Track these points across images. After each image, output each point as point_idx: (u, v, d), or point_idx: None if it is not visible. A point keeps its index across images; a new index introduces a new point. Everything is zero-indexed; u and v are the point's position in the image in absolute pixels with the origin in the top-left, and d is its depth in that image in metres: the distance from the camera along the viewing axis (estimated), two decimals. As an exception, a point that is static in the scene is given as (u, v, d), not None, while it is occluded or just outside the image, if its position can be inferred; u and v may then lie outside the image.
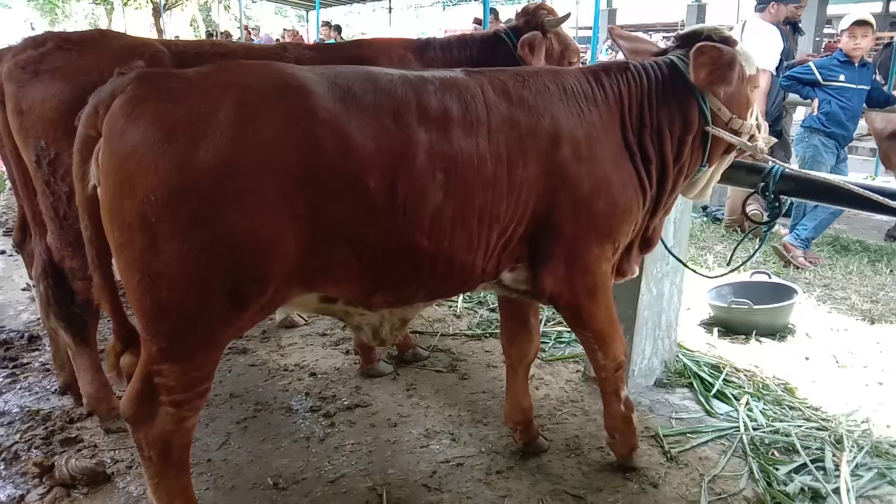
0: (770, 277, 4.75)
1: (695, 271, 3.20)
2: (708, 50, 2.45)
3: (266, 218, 1.92)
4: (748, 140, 2.65)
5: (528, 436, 3.05)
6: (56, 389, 3.58)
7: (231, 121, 1.88)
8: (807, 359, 4.02)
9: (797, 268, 5.71)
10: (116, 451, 3.06)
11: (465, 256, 2.30)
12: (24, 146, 2.83)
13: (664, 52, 2.77)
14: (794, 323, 4.46)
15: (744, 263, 3.16)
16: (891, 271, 5.69)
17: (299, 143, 1.94)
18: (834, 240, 6.60)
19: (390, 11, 24.65)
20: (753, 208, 6.17)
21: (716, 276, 3.21)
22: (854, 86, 5.85)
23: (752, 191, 2.87)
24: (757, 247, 3.05)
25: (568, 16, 3.60)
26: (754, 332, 4.24)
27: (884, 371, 3.85)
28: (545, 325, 4.26)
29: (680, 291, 3.61)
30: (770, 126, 6.36)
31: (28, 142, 2.80)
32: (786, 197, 2.86)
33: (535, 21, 3.61)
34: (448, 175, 2.16)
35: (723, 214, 7.35)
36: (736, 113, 2.62)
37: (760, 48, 6.35)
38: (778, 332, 4.32)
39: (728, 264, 3.12)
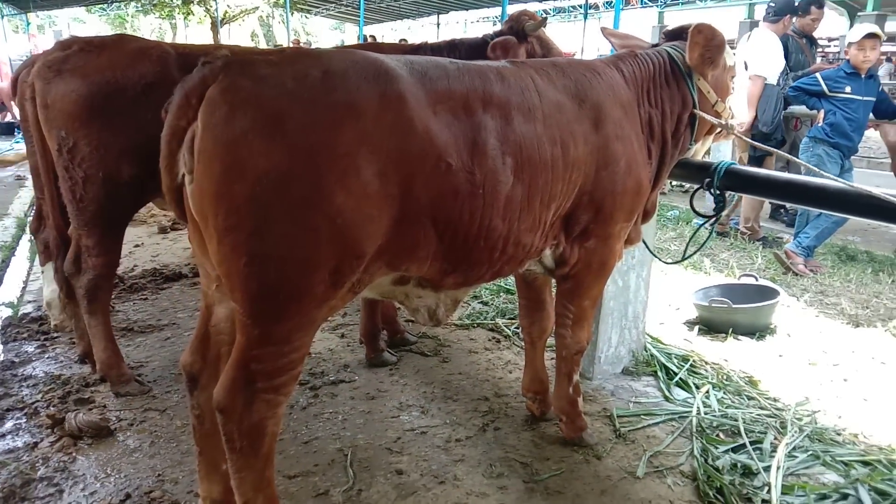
0: (757, 280, 4.88)
1: (655, 255, 3.43)
2: (704, 29, 2.79)
3: (367, 197, 1.97)
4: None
5: (544, 404, 3.31)
6: (77, 359, 3.99)
7: (334, 105, 1.94)
8: (780, 356, 4.15)
9: (796, 275, 5.79)
10: (122, 412, 3.41)
11: (528, 237, 2.48)
12: (48, 136, 3.24)
13: (655, 45, 3.07)
14: (777, 324, 4.58)
15: (693, 254, 3.33)
16: (893, 281, 5.71)
17: (393, 126, 2.02)
18: (840, 249, 6.63)
19: (438, 27, 25.32)
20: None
21: (671, 263, 3.41)
22: (860, 97, 5.92)
23: (698, 186, 3.07)
24: (704, 240, 3.26)
25: (545, 20, 3.86)
26: (731, 331, 4.39)
27: (853, 370, 3.96)
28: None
29: (647, 285, 3.81)
30: (767, 137, 6.50)
31: (52, 132, 3.21)
32: (731, 192, 3.06)
33: (518, 27, 3.89)
34: (516, 159, 2.31)
35: (736, 224, 7.43)
36: (719, 97, 2.97)
37: (760, 56, 6.52)
38: (758, 331, 4.45)
39: (684, 253, 3.33)
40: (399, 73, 2.11)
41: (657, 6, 25.88)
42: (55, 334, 4.37)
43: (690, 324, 4.64)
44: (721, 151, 6.29)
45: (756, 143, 3.26)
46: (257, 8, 31.66)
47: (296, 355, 2.10)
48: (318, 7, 29.96)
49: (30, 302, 5.04)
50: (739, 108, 6.26)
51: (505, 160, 2.29)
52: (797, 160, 3.49)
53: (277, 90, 1.92)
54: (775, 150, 3.35)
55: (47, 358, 4.06)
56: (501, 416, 3.38)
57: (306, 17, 32.00)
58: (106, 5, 24.70)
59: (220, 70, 1.95)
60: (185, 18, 30.67)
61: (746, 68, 6.60)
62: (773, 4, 6.83)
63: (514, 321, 4.55)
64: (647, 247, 3.42)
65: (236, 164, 1.87)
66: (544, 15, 4.01)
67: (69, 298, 3.69)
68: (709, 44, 2.78)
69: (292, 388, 2.19)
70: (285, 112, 1.90)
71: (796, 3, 6.94)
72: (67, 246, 3.54)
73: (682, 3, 24.25)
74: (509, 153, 2.30)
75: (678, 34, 3.06)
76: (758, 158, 6.02)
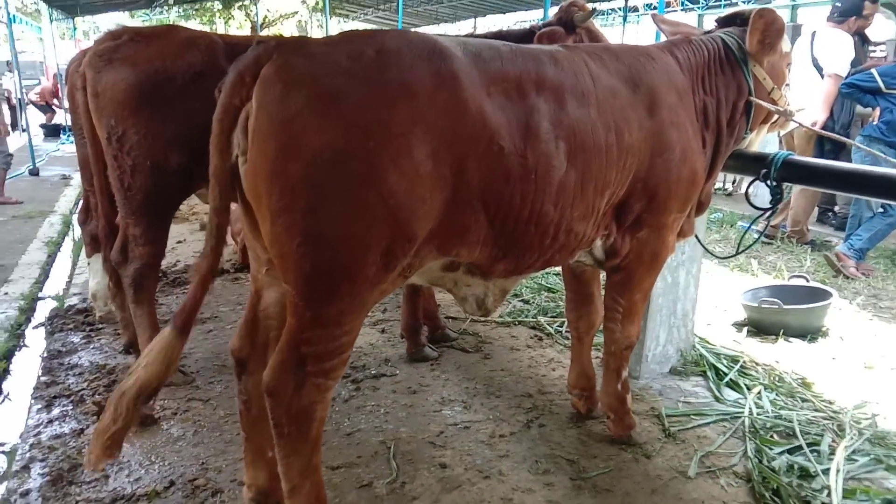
0: (808, 281, 4.73)
1: (707, 250, 3.33)
2: (766, 13, 2.70)
3: (419, 178, 1.94)
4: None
5: (591, 401, 3.23)
6: (122, 349, 4.02)
7: (389, 83, 1.91)
8: (833, 359, 4.01)
9: (847, 278, 5.61)
10: (166, 401, 3.42)
11: (581, 225, 2.41)
12: (98, 125, 3.26)
13: (708, 32, 2.97)
14: (829, 326, 4.43)
15: (746, 249, 3.23)
16: (950, 285, 5.50)
17: (447, 105, 1.98)
18: (893, 253, 6.40)
19: (475, 31, 25.40)
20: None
21: (723, 258, 3.31)
22: (918, 95, 5.72)
23: (754, 177, 2.97)
24: (755, 239, 3.15)
25: (594, 11, 3.79)
26: (781, 332, 4.25)
27: (912, 374, 3.81)
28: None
29: (697, 281, 3.71)
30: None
31: (101, 121, 3.23)
32: (787, 184, 2.96)
33: (567, 17, 3.83)
34: (569, 144, 2.25)
35: (786, 229, 7.24)
36: (775, 84, 2.87)
37: (835, 54, 6.35)
38: (810, 333, 4.31)
39: (737, 249, 3.23)
40: (453, 52, 2.07)
41: (698, 8, 25.52)
42: (100, 325, 4.42)
43: (739, 325, 4.51)
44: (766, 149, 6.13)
45: (841, 138, 3.14)
46: (296, 13, 32.02)
47: (346, 339, 2.08)
48: (356, 12, 30.19)
49: (75, 294, 5.12)
50: (814, 108, 6.09)
51: (558, 145, 2.23)
52: (876, 153, 3.33)
53: (332, 68, 1.91)
54: (852, 141, 3.22)
55: (92, 348, 4.11)
56: (546, 413, 3.31)
57: (345, 21, 32.26)
58: (149, 10, 25.19)
59: (274, 49, 1.94)
60: (225, 23, 31.13)
61: (816, 67, 6.43)
62: (838, 5, 6.66)
63: (556, 319, 4.48)
64: (700, 241, 3.33)
65: (291, 142, 1.85)
66: (593, 7, 3.92)
67: (118, 288, 3.71)
68: (769, 28, 2.70)
69: (341, 372, 2.16)
70: (340, 90, 1.87)
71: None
72: (116, 236, 3.57)
73: (724, 6, 23.88)
74: (562, 137, 2.24)
75: (731, 20, 2.97)
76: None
